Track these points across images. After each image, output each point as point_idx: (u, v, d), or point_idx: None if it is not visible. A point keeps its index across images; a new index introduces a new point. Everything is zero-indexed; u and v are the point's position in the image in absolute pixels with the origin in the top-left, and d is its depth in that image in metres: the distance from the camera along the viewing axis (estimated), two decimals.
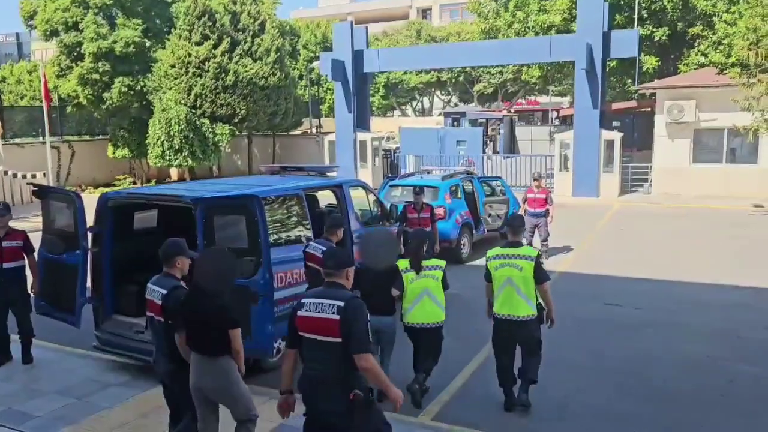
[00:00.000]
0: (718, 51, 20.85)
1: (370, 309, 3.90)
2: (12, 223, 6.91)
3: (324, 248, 5.79)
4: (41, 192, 7.18)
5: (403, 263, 5.86)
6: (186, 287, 4.45)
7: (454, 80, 43.49)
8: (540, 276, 5.56)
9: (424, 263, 5.80)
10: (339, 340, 3.55)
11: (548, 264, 7.47)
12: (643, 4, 22.53)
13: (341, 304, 3.58)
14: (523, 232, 6.26)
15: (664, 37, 23.13)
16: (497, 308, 5.66)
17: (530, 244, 11.85)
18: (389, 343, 5.88)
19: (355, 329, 3.53)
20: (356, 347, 3.52)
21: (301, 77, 32.47)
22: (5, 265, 6.60)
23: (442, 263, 5.97)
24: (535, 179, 11.98)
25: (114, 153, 23.58)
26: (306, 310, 3.69)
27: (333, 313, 3.57)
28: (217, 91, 21.60)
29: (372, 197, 9.27)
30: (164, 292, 4.43)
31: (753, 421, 5.68)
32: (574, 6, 22.03)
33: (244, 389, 4.29)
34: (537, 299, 5.65)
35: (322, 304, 3.63)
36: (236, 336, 4.14)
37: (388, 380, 3.72)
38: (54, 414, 5.41)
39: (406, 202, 10.17)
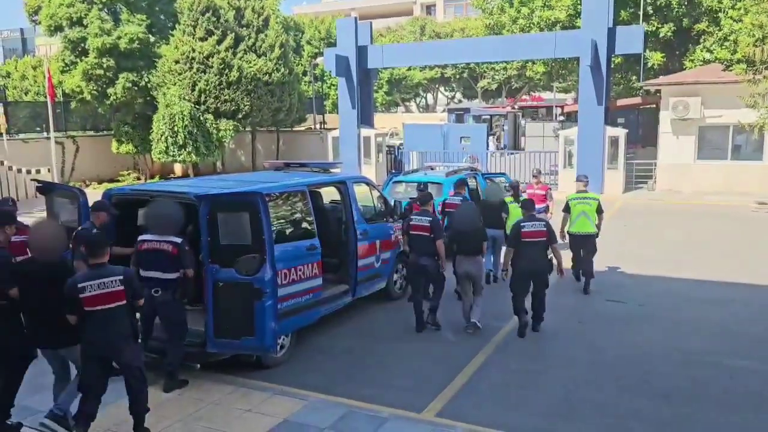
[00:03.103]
0: (723, 47, 20.74)
1: (490, 226, 8.91)
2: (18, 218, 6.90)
3: (460, 198, 9.93)
4: (45, 188, 7.21)
5: (508, 199, 10.08)
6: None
7: (458, 76, 43.43)
8: (600, 209, 9.63)
9: (522, 199, 9.26)
10: (545, 239, 7.57)
11: None
12: (649, 0, 22.43)
13: (544, 222, 7.85)
14: (588, 183, 10.12)
15: (669, 33, 23.01)
16: (575, 229, 9.59)
17: None
18: (501, 245, 9.53)
19: (551, 233, 7.66)
20: (553, 241, 7.65)
21: (304, 73, 32.42)
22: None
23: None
24: (534, 175, 12.05)
25: (118, 148, 23.57)
26: (526, 228, 7.57)
27: (542, 227, 7.64)
28: (221, 86, 21.59)
29: (376, 193, 9.27)
30: (427, 221, 7.75)
31: (749, 415, 5.70)
32: (578, 2, 21.92)
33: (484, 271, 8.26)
34: (596, 222, 9.59)
35: (534, 224, 7.66)
36: (485, 245, 7.96)
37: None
38: None
39: (411, 198, 10.17)
